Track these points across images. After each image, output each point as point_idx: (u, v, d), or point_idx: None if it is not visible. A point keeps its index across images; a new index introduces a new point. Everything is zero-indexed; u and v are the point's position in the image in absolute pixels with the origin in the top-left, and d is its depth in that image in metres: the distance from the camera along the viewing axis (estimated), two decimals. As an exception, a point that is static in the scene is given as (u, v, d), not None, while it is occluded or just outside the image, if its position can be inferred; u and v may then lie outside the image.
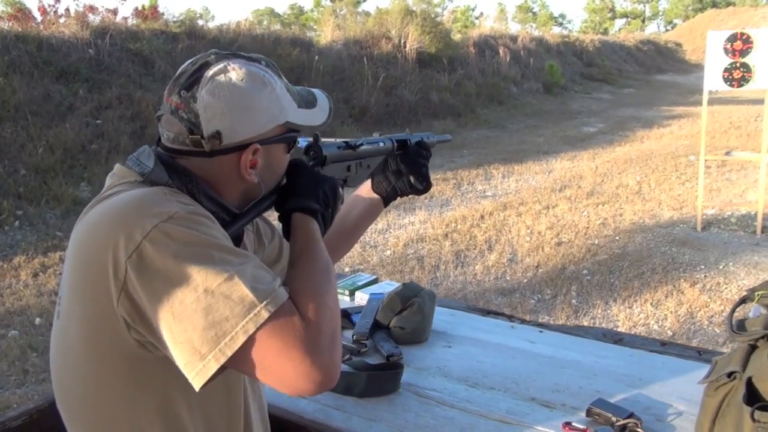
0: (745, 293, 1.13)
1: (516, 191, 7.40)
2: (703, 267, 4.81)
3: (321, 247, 0.99)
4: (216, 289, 0.79)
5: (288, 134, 1.02)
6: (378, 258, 5.21)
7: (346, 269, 4.78)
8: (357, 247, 5.21)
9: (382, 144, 1.33)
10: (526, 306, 4.25)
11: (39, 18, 9.40)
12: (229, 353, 0.79)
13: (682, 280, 4.57)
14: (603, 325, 4.00)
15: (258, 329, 0.79)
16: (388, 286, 1.79)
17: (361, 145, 1.26)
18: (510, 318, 1.61)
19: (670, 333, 3.87)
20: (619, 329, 3.92)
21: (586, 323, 3.99)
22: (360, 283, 1.85)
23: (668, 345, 1.45)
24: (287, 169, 1.07)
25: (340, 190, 1.12)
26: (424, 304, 1.52)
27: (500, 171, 8.41)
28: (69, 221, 5.80)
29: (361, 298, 1.73)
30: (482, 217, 6.24)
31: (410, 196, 1.41)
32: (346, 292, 1.83)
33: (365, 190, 1.41)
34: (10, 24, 8.81)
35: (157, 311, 0.79)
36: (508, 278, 4.80)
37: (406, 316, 1.51)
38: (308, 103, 1.05)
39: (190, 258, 0.80)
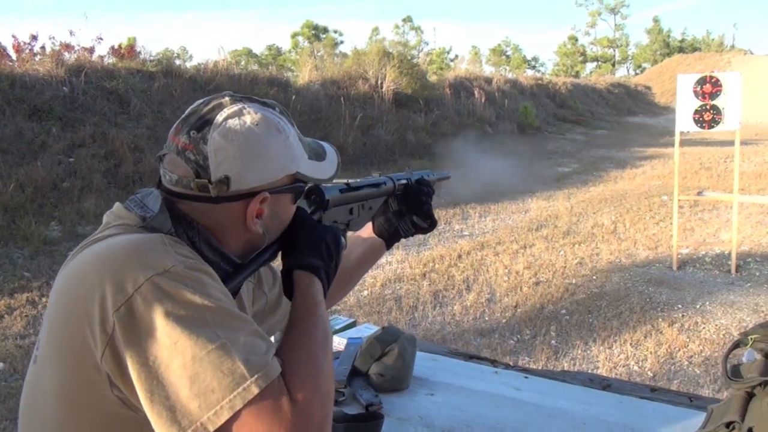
0: (737, 337, 1.10)
1: (493, 230, 7.41)
2: (680, 306, 4.82)
3: (321, 312, 0.92)
4: (205, 357, 0.73)
5: (296, 185, 0.97)
6: (355, 298, 5.13)
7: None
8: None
9: (383, 184, 1.28)
10: (505, 347, 4.19)
11: (14, 56, 9.33)
12: (211, 429, 0.71)
13: (660, 320, 4.56)
14: (583, 366, 3.95)
15: (244, 406, 0.72)
16: (366, 329, 1.72)
17: (363, 186, 1.21)
18: (494, 363, 1.55)
19: (650, 374, 3.84)
20: (599, 370, 3.88)
21: (566, 365, 3.95)
22: (337, 327, 1.77)
23: (658, 391, 1.41)
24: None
25: (342, 238, 1.06)
26: (405, 350, 1.45)
27: (477, 210, 8.42)
28: (37, 261, 5.64)
29: (339, 342, 1.65)
30: (460, 256, 6.21)
31: (415, 235, 1.35)
32: None
33: (366, 231, 1.35)
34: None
35: (140, 372, 0.73)
36: (486, 318, 4.75)
37: (386, 362, 1.44)
38: (318, 155, 1.02)
39: (182, 319, 0.74)
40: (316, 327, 0.89)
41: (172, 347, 0.73)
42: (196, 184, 0.88)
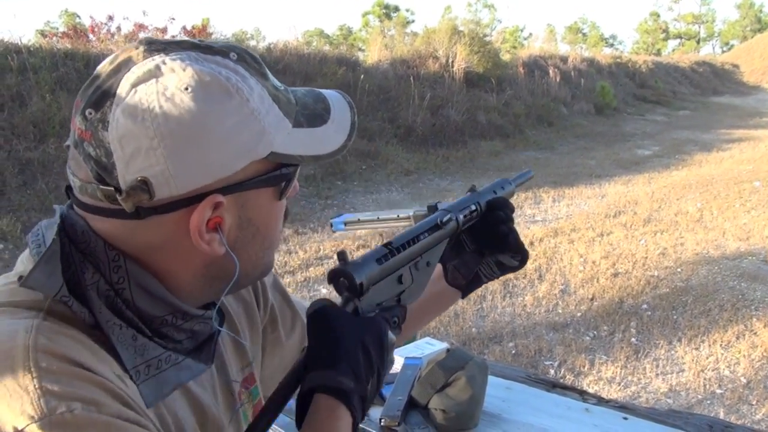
0: None
1: (567, 216, 7.04)
2: (777, 305, 4.39)
3: None
4: None
5: (276, 172, 0.63)
6: (420, 286, 4.93)
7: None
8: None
9: (443, 225, 0.88)
10: (580, 343, 3.91)
11: (91, 37, 9.53)
12: None
13: (754, 320, 4.16)
14: (667, 368, 3.64)
15: None
16: (428, 346, 1.47)
17: (411, 242, 0.82)
18: (583, 395, 1.29)
19: (744, 380, 3.49)
20: (685, 374, 3.56)
21: (648, 366, 3.64)
22: None
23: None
24: (308, 324, 0.69)
25: (390, 335, 0.72)
26: (474, 380, 1.19)
27: (550, 195, 8.05)
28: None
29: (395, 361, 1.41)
30: (532, 243, 5.90)
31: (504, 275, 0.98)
32: None
33: (435, 275, 0.95)
34: (61, 41, 8.93)
35: None
36: (560, 311, 4.46)
37: (450, 394, 1.19)
38: (314, 117, 0.66)
39: None
40: None
41: None
42: (102, 192, 0.58)
